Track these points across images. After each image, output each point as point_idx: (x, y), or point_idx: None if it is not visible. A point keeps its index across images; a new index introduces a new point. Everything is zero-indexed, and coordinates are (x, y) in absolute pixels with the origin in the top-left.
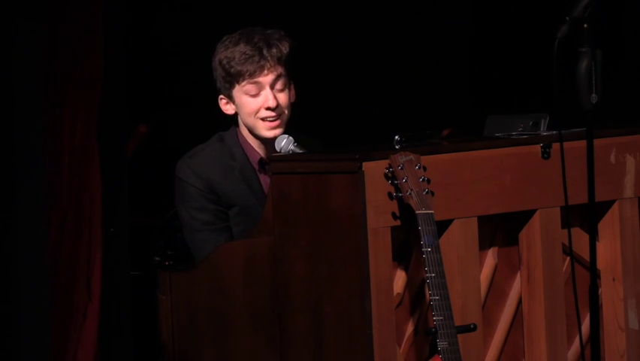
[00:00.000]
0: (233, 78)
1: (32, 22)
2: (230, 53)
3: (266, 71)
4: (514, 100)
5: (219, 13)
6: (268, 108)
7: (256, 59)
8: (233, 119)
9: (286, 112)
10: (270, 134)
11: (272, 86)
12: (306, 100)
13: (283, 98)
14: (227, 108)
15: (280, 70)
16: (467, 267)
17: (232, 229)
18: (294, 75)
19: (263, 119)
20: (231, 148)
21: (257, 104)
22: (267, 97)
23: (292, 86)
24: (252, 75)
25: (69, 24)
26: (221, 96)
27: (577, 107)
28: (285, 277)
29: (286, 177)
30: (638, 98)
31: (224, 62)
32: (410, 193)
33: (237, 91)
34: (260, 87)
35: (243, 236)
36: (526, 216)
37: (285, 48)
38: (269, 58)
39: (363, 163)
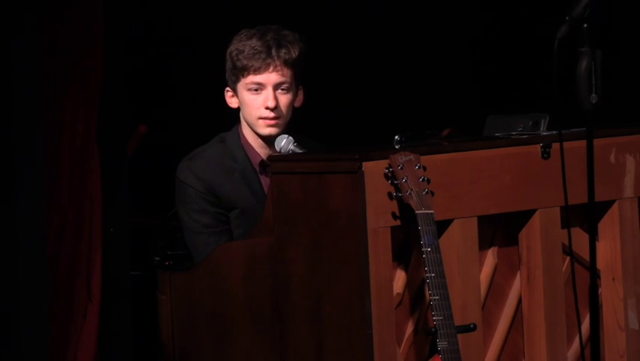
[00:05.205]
0: (239, 72)
1: (32, 23)
2: (242, 46)
3: (271, 69)
4: (514, 100)
5: (222, 13)
6: (267, 108)
7: (263, 56)
8: (235, 118)
9: (285, 114)
10: (265, 131)
11: (275, 87)
12: (307, 100)
13: (284, 100)
14: (232, 101)
15: (286, 72)
16: (467, 267)
17: (233, 232)
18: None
19: (261, 117)
20: (232, 149)
21: (257, 101)
22: (267, 96)
23: (301, 91)
24: (256, 71)
25: (69, 24)
26: (227, 88)
27: (577, 107)
28: (285, 277)
29: (286, 177)
30: (638, 98)
31: (234, 53)
32: (410, 193)
33: (241, 85)
34: (262, 85)
35: (243, 238)
36: (526, 216)
37: (294, 51)
38: (276, 58)
39: (363, 163)
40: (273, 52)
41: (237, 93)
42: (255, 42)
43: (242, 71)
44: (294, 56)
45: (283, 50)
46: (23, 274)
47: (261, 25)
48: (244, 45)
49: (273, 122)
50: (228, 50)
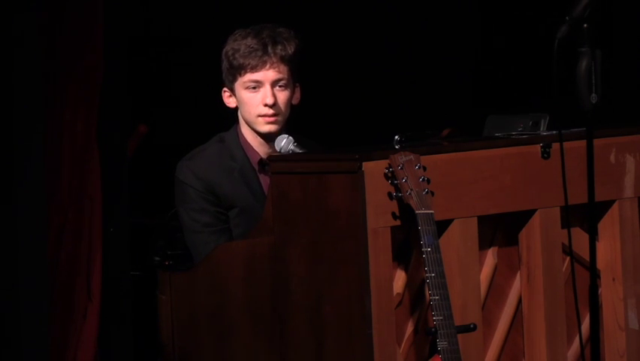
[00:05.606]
0: (236, 70)
1: (32, 22)
2: (237, 45)
3: (267, 66)
4: (514, 100)
5: (221, 13)
6: (266, 105)
7: (259, 53)
8: (234, 118)
9: (284, 110)
10: (265, 128)
11: (272, 84)
12: (306, 100)
13: (282, 96)
14: (230, 101)
15: (283, 68)
16: (467, 267)
17: (232, 231)
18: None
19: (260, 115)
20: (231, 149)
21: (256, 99)
22: (265, 93)
23: (298, 89)
24: (253, 69)
25: (69, 24)
26: (225, 89)
27: (577, 107)
28: (285, 277)
29: (286, 177)
30: (638, 98)
31: (230, 53)
32: (410, 193)
33: (239, 84)
34: (260, 83)
35: (243, 237)
36: (526, 216)
37: (290, 48)
38: (272, 54)
39: (363, 163)
40: (269, 49)
41: (235, 92)
42: (250, 40)
43: (239, 70)
44: (290, 52)
45: (279, 47)
46: (23, 274)
47: (255, 25)
48: (239, 44)
49: (272, 119)
50: (224, 50)
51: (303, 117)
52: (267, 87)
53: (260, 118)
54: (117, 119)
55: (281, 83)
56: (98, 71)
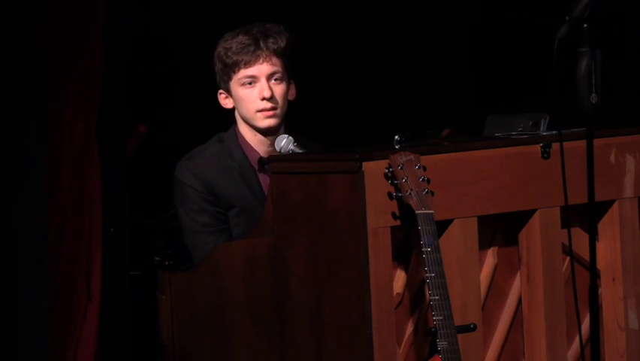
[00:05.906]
0: (230, 69)
1: (32, 23)
2: (229, 44)
3: (261, 61)
4: (514, 100)
5: (221, 13)
6: (263, 99)
7: (252, 48)
8: (233, 119)
9: (282, 104)
10: (264, 123)
11: (267, 77)
12: (306, 100)
13: (279, 90)
14: (227, 102)
15: (276, 61)
16: (467, 267)
17: (232, 231)
18: (294, 74)
19: (258, 110)
20: (230, 148)
21: (252, 95)
22: (262, 87)
23: (293, 85)
24: (247, 64)
25: (69, 24)
26: (221, 91)
27: (577, 107)
28: (285, 277)
29: (286, 177)
30: (638, 98)
31: (222, 53)
32: (410, 193)
33: (234, 82)
34: (255, 78)
35: (242, 237)
36: (526, 216)
37: (282, 41)
38: (264, 48)
39: (363, 163)
40: (261, 43)
41: (231, 92)
42: (241, 37)
43: (233, 68)
44: (282, 45)
45: (271, 40)
46: (23, 274)
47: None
48: (230, 43)
49: (271, 113)
50: (215, 53)
51: (303, 117)
52: (263, 81)
53: (259, 113)
54: (117, 119)
55: (276, 77)
56: (98, 71)
